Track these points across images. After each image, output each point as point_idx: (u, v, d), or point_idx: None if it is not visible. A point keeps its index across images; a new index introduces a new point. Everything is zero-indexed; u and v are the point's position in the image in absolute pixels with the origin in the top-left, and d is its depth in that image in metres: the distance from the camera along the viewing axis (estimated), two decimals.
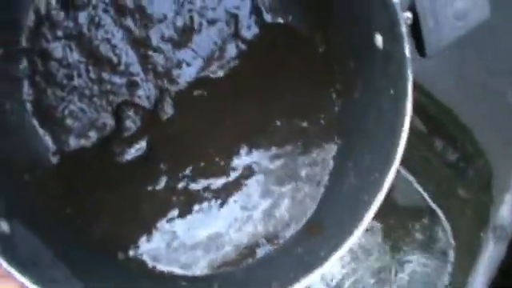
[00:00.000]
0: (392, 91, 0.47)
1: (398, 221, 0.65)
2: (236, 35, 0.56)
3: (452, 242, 0.66)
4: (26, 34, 0.53)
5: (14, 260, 0.42)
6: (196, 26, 0.57)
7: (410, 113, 0.46)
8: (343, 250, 0.46)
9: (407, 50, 0.45)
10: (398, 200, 0.65)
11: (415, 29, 0.46)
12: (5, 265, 0.41)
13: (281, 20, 0.57)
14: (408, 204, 0.64)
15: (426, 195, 0.65)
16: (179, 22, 0.56)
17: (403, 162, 0.60)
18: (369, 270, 0.63)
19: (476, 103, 0.63)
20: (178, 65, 0.56)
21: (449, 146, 0.64)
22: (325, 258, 0.47)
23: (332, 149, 0.56)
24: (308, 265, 0.47)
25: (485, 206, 0.64)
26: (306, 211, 0.56)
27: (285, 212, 0.55)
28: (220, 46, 0.57)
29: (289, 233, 0.55)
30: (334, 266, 0.62)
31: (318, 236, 0.52)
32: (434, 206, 0.65)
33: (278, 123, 0.56)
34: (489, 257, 0.63)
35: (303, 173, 0.56)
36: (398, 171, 0.62)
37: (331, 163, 0.56)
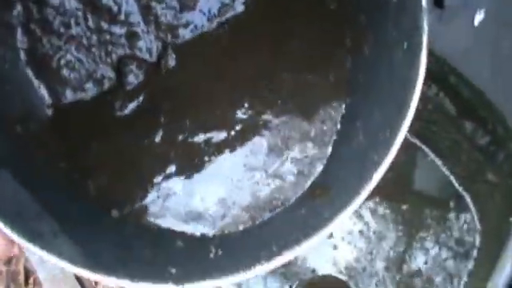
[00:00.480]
0: (405, 44, 0.44)
1: (423, 204, 0.63)
2: None
3: (478, 226, 0.63)
4: None
5: None
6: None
7: (424, 66, 0.43)
8: (348, 212, 0.44)
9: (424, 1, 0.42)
10: (423, 183, 0.63)
11: None
12: None
13: None
14: (434, 187, 0.62)
15: (453, 179, 0.63)
16: None
17: (430, 144, 0.57)
18: (384, 255, 0.61)
19: (509, 85, 0.60)
20: (182, 18, 0.54)
21: (479, 129, 0.61)
22: (329, 220, 0.44)
23: (340, 107, 0.53)
24: (311, 227, 0.45)
25: None
26: (312, 172, 0.53)
27: (290, 173, 0.53)
28: (227, 3, 0.54)
29: (293, 195, 0.53)
30: (347, 250, 0.61)
31: (323, 197, 0.49)
32: (461, 190, 0.63)
33: (285, 77, 0.53)
34: None
35: (310, 131, 0.53)
36: (425, 154, 0.61)
37: (339, 122, 0.54)
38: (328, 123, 0.53)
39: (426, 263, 0.62)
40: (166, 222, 0.51)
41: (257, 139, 0.53)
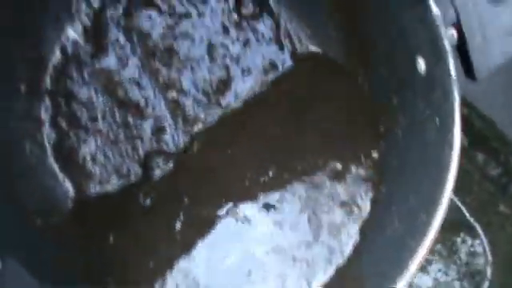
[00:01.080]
0: (437, 120, 0.42)
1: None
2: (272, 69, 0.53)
3: (490, 258, 0.61)
4: (51, 73, 0.51)
5: None
6: (232, 76, 0.54)
7: (458, 143, 0.40)
8: None
9: (452, 70, 0.40)
10: None
11: (461, 48, 0.41)
12: None
13: (318, 49, 0.54)
14: (445, 218, 0.60)
15: (464, 209, 0.61)
16: (213, 72, 0.54)
17: None
18: None
19: None
20: (209, 111, 0.53)
21: (491, 160, 0.61)
22: None
23: (372, 193, 0.50)
24: None
25: None
26: (337, 260, 0.49)
27: (317, 258, 0.49)
28: (255, 90, 0.54)
29: (322, 279, 0.49)
30: None
31: None
32: (472, 220, 0.61)
33: (311, 163, 0.51)
34: None
35: (338, 218, 0.50)
36: None
37: (369, 208, 0.50)
38: (357, 210, 0.50)
39: None
40: None
41: (282, 222, 0.50)
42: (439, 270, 0.62)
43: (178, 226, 0.50)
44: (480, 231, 0.62)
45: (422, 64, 0.43)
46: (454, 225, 0.62)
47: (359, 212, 0.50)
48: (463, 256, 0.62)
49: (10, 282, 0.39)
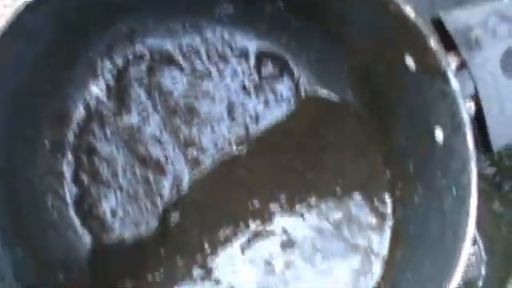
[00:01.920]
0: (454, 190, 0.42)
1: None
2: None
3: (484, 257, 0.61)
4: (74, 129, 0.52)
5: None
6: (250, 134, 0.55)
7: (475, 212, 0.41)
8: None
9: (470, 142, 0.41)
10: None
11: (478, 120, 0.42)
12: None
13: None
14: None
15: None
16: (233, 130, 0.55)
17: None
18: None
19: None
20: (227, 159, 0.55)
21: (485, 159, 0.61)
22: None
23: (389, 262, 0.51)
24: None
25: None
26: None
27: None
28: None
29: None
30: None
31: None
32: None
33: (325, 231, 0.52)
34: None
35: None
36: None
37: (379, 275, 0.51)
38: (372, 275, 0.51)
39: None
40: None
41: None
42: None
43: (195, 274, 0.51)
44: (475, 230, 0.63)
45: (440, 134, 0.43)
46: None
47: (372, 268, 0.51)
48: None
49: None
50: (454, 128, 0.42)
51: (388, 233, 0.51)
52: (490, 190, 0.61)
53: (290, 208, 0.53)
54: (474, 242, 0.60)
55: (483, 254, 0.62)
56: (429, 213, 0.47)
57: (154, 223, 0.53)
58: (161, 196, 0.53)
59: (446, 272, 0.41)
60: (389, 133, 0.51)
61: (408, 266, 0.48)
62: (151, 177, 0.53)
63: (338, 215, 0.52)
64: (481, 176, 0.60)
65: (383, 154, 0.52)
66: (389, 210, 0.51)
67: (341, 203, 0.52)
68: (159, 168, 0.53)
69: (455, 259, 0.41)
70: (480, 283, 0.61)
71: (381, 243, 0.51)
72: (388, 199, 0.51)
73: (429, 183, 0.47)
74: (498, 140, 0.42)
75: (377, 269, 0.50)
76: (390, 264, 0.50)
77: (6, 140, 0.43)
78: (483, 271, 0.62)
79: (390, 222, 0.51)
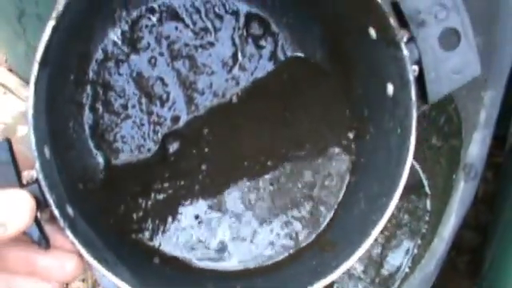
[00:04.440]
0: (399, 130, 0.57)
1: None
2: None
3: (428, 192, 0.71)
4: (94, 67, 0.63)
5: (76, 236, 0.49)
6: (240, 84, 0.67)
7: (413, 145, 0.55)
8: (352, 261, 0.54)
9: (414, 95, 0.55)
10: None
11: (419, 80, 0.56)
12: (71, 237, 0.49)
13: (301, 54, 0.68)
14: None
15: None
16: (225, 78, 0.66)
17: None
18: None
19: None
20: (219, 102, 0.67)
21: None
22: (336, 268, 0.54)
23: (344, 184, 0.65)
24: (321, 273, 0.55)
25: (456, 150, 0.70)
26: (316, 229, 0.65)
27: (299, 227, 0.65)
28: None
29: (302, 244, 0.64)
30: None
31: (330, 252, 0.59)
32: None
33: (292, 155, 0.66)
34: (460, 196, 0.68)
35: (313, 203, 0.65)
36: None
37: (342, 194, 0.65)
38: (333, 194, 0.65)
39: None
40: (201, 261, 0.62)
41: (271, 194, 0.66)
42: None
43: (197, 188, 0.64)
44: (418, 167, 0.71)
45: (390, 88, 0.57)
46: None
47: (335, 198, 0.65)
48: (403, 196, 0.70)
49: (80, 227, 0.51)
50: (402, 84, 0.56)
51: (348, 162, 0.66)
52: (428, 126, 0.70)
53: (272, 143, 0.66)
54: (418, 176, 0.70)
55: (427, 189, 0.71)
56: (378, 148, 0.61)
57: (154, 148, 0.65)
58: (161, 126, 0.65)
59: (389, 191, 0.55)
60: (351, 86, 0.65)
61: (360, 189, 0.63)
62: (154, 109, 0.65)
63: (310, 144, 0.66)
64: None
65: (346, 102, 0.66)
66: (350, 144, 0.66)
67: (313, 136, 0.66)
68: (162, 103, 0.65)
69: (397, 181, 0.55)
70: (427, 217, 0.70)
71: (342, 170, 0.66)
72: (350, 136, 0.66)
73: (379, 125, 0.61)
74: (432, 96, 0.56)
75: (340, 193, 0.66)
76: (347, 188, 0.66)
77: (48, 71, 0.53)
78: (429, 206, 0.71)
79: (350, 155, 0.66)
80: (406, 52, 0.55)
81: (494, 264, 0.80)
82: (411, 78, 0.55)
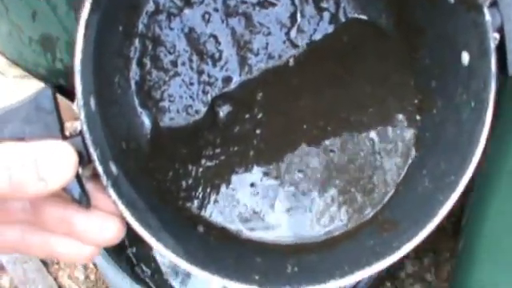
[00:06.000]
0: (473, 104, 0.52)
1: None
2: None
3: None
4: (144, 19, 0.59)
5: (119, 196, 0.46)
6: (297, 46, 0.62)
7: (489, 121, 0.50)
8: (415, 242, 0.50)
9: (494, 65, 0.50)
10: None
11: (500, 49, 0.51)
12: (114, 196, 0.45)
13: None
14: None
15: None
16: (282, 40, 0.62)
17: None
18: None
19: None
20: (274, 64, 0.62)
21: None
22: (397, 248, 0.50)
23: (409, 158, 0.60)
24: (380, 254, 0.50)
25: None
26: (376, 204, 0.60)
27: (359, 200, 0.60)
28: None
29: (361, 219, 0.59)
30: None
31: (391, 231, 0.55)
32: None
33: (354, 119, 0.61)
34: None
35: (375, 175, 0.60)
36: None
37: (405, 171, 0.60)
38: (394, 171, 0.60)
39: None
40: (247, 235, 0.58)
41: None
42: None
43: (251, 154, 0.60)
44: None
45: (466, 57, 0.52)
46: None
47: (397, 174, 0.60)
48: None
49: (123, 187, 0.48)
50: (480, 53, 0.51)
51: (412, 134, 0.61)
52: None
53: (332, 107, 0.62)
54: None
55: None
56: (446, 122, 0.56)
57: (203, 110, 0.61)
58: (211, 87, 0.61)
59: (459, 169, 0.51)
60: (417, 55, 0.60)
61: (424, 165, 0.58)
62: (205, 68, 0.61)
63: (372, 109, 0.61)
64: None
65: (411, 72, 0.61)
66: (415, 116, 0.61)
67: (375, 101, 0.61)
68: (214, 62, 0.61)
69: (469, 159, 0.50)
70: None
71: (406, 141, 0.61)
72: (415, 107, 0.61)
73: (449, 98, 0.56)
74: None
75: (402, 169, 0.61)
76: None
77: (97, 17, 0.49)
78: None
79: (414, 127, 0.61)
80: (488, 17, 0.50)
81: (468, 219, 0.78)
82: (492, 45, 0.50)
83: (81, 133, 0.45)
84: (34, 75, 0.65)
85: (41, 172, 0.43)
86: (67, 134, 0.45)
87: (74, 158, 0.44)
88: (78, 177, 0.45)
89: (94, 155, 0.44)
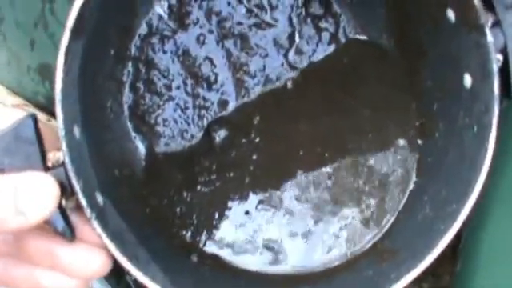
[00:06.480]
0: (476, 128, 0.50)
1: None
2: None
3: None
4: (136, 42, 0.57)
5: (105, 229, 0.44)
6: (296, 68, 0.60)
7: (493, 146, 0.48)
8: (415, 274, 0.48)
9: (497, 88, 0.48)
10: None
11: (503, 71, 0.49)
12: (98, 229, 0.44)
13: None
14: None
15: None
16: (279, 61, 0.60)
17: None
18: None
19: None
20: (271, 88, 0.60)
21: None
22: (395, 281, 0.48)
23: (409, 184, 0.58)
24: (379, 285, 0.48)
25: None
26: (376, 233, 0.58)
27: (357, 230, 0.58)
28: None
29: (359, 249, 0.57)
30: None
31: (389, 261, 0.53)
32: None
33: (353, 146, 0.59)
34: None
35: (374, 202, 0.58)
36: None
37: (405, 198, 0.58)
38: (395, 197, 0.58)
39: None
40: (242, 265, 0.56)
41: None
42: None
43: (247, 180, 0.58)
44: None
45: (468, 79, 0.50)
46: None
47: (397, 201, 0.58)
48: None
49: (110, 218, 0.46)
50: (483, 75, 0.49)
51: (413, 159, 0.58)
52: None
53: (330, 133, 0.59)
54: None
55: None
56: (448, 147, 0.54)
57: (198, 135, 0.59)
58: (207, 111, 0.59)
59: (461, 197, 0.48)
60: (419, 77, 0.57)
61: (425, 192, 0.56)
62: (201, 91, 0.59)
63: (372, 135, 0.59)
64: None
65: (412, 95, 0.58)
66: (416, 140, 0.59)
67: (375, 126, 0.59)
68: (209, 85, 0.59)
69: (471, 187, 0.48)
70: None
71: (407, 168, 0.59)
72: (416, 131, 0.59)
73: (451, 121, 0.54)
74: None
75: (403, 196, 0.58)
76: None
77: (83, 42, 0.48)
78: None
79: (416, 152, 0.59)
80: (490, 38, 0.48)
81: (465, 242, 0.75)
82: (495, 67, 0.47)
83: (63, 163, 0.43)
84: (34, 104, 0.65)
85: (19, 205, 0.41)
86: (49, 164, 0.44)
87: (54, 190, 0.42)
88: (61, 208, 0.44)
89: (77, 187, 0.43)
